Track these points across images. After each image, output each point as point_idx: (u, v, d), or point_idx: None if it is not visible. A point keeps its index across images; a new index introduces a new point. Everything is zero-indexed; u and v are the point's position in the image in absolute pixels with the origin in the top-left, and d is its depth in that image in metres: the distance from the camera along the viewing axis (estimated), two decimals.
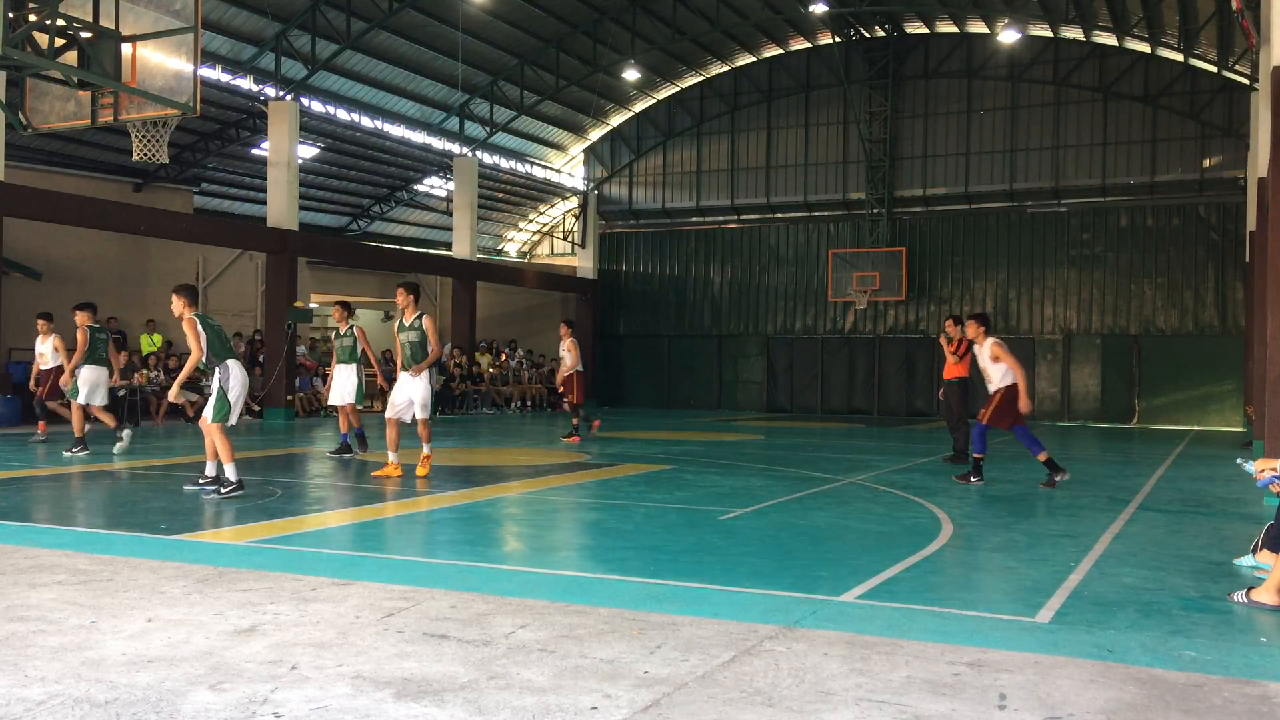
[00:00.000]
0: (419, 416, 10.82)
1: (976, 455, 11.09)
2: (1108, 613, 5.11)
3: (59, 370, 13.83)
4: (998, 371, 10.99)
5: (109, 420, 13.28)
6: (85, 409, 13.13)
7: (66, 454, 12.64)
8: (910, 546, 6.95)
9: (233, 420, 9.18)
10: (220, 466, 9.14)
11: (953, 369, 13.58)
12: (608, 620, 4.79)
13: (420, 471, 10.89)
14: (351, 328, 13.29)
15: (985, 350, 11.19)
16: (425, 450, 10.98)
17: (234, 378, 9.16)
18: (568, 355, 17.11)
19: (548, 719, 3.50)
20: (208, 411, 9.10)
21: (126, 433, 13.13)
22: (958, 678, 4.00)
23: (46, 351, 14.15)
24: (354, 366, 13.22)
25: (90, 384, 13.08)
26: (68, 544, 6.61)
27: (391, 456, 10.91)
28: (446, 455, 13.86)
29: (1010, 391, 10.89)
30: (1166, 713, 3.65)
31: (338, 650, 4.24)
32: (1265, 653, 4.48)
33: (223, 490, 8.96)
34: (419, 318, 10.91)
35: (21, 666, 3.96)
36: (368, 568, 5.99)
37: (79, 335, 13.19)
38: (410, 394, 10.79)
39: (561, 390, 18.05)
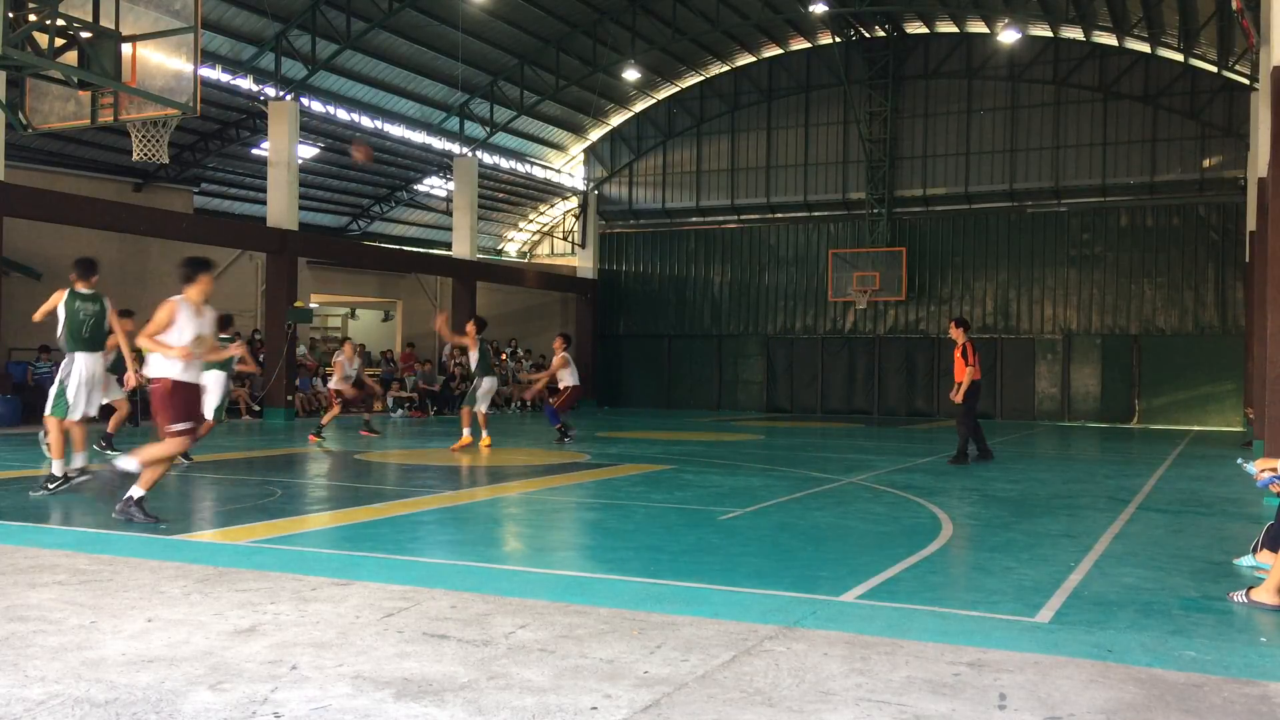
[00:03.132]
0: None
1: (557, 426, 15.96)
2: (1108, 613, 5.11)
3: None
4: (565, 374, 15.97)
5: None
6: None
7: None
8: (910, 546, 6.95)
9: (74, 416, 8.92)
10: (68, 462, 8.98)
11: (962, 371, 13.36)
12: (608, 620, 4.79)
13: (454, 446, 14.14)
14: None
15: (557, 357, 15.98)
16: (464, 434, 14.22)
17: (74, 373, 8.88)
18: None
19: (548, 719, 3.50)
20: (48, 405, 8.87)
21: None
22: (958, 678, 4.00)
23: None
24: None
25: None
26: (68, 544, 6.61)
27: (483, 434, 14.40)
28: (446, 455, 13.86)
29: (575, 391, 16.11)
30: (1166, 713, 3.65)
31: (338, 650, 4.24)
32: (1265, 653, 4.48)
33: (50, 486, 8.81)
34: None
35: (21, 666, 3.96)
36: (368, 568, 5.99)
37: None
38: None
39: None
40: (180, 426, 7.43)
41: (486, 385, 14.49)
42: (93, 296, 9.16)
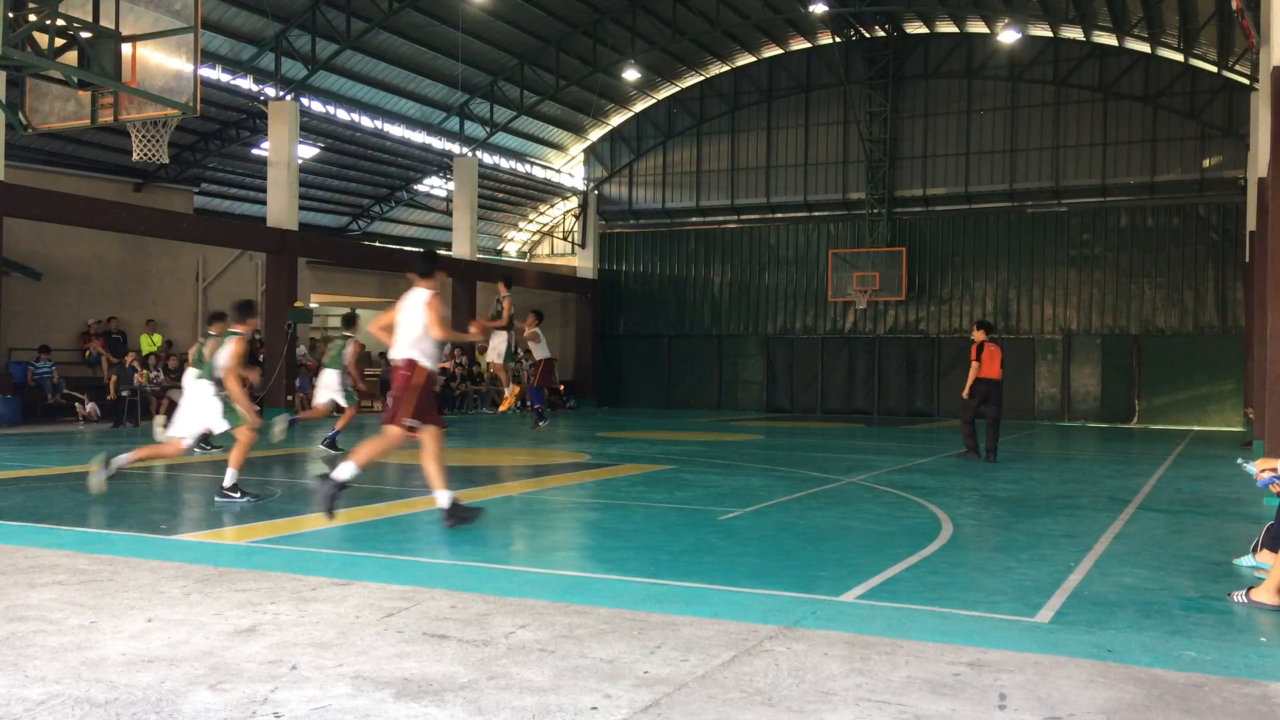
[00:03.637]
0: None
1: (536, 406, 16.25)
2: (1108, 613, 5.11)
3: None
4: (537, 349, 16.00)
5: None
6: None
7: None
8: (910, 546, 6.95)
9: (169, 433, 9.17)
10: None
11: (979, 370, 13.83)
12: (608, 620, 4.79)
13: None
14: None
15: (529, 333, 16.15)
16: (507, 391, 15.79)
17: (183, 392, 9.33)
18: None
19: (548, 719, 3.50)
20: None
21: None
22: (958, 678, 4.00)
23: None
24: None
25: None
26: (68, 544, 6.61)
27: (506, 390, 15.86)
28: (447, 455, 13.82)
29: (549, 363, 16.15)
30: (1166, 713, 3.65)
31: (338, 650, 4.24)
32: (1265, 653, 4.48)
33: (235, 494, 8.98)
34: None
35: (21, 666, 3.96)
36: (368, 568, 5.99)
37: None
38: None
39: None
40: (414, 422, 7.68)
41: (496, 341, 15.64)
42: (222, 335, 9.16)
